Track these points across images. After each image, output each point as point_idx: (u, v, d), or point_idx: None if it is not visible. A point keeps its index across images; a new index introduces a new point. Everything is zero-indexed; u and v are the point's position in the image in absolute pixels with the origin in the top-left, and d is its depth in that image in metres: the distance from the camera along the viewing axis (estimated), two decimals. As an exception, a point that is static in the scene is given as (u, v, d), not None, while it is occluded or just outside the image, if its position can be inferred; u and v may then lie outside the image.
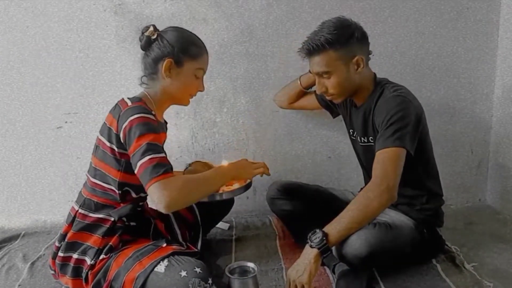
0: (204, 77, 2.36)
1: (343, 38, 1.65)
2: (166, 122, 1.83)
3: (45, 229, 2.43)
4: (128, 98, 1.60)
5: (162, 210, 1.44)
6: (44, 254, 2.11)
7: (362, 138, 1.84)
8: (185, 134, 2.45)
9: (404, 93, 1.70)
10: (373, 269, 1.78)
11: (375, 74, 1.83)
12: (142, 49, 1.65)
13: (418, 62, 2.40)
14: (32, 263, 2.03)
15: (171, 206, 1.44)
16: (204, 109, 2.44)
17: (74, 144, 2.43)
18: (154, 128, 1.52)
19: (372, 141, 1.79)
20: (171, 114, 2.37)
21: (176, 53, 1.60)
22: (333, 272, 1.73)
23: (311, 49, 1.68)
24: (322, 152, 2.52)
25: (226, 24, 2.34)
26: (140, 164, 1.45)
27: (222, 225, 2.34)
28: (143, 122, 1.49)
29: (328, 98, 1.82)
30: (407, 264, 1.79)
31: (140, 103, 1.56)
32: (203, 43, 1.70)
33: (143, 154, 1.44)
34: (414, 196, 1.80)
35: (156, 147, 1.48)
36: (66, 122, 2.42)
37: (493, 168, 2.54)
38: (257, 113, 2.45)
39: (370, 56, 1.78)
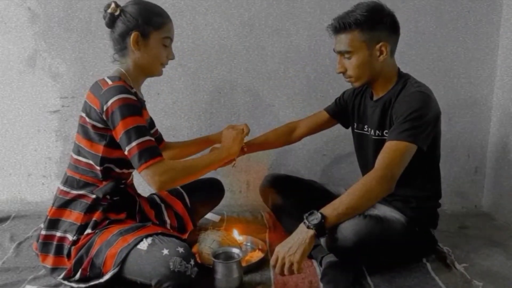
0: (203, 75, 2.39)
1: (371, 21, 1.65)
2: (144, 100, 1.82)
3: (35, 212, 2.43)
4: (108, 77, 1.61)
5: (154, 190, 1.57)
6: (31, 236, 2.12)
7: (377, 132, 1.81)
8: (185, 134, 2.45)
9: (428, 90, 1.70)
10: (361, 264, 1.76)
11: (399, 68, 1.82)
12: (107, 27, 1.66)
13: (418, 62, 2.40)
14: (19, 243, 2.04)
15: (161, 188, 1.56)
16: (203, 108, 2.44)
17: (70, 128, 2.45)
18: (137, 110, 1.55)
19: (387, 135, 1.75)
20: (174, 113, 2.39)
21: (141, 26, 1.61)
22: (320, 264, 1.72)
23: (338, 27, 1.69)
24: (319, 149, 2.51)
25: (226, 24, 2.35)
26: (128, 150, 1.51)
27: (213, 217, 2.32)
28: (125, 103, 1.51)
29: (346, 80, 1.79)
30: (396, 261, 1.77)
31: (120, 82, 1.57)
32: (165, 11, 1.70)
33: (130, 140, 1.50)
34: (412, 194, 1.78)
35: (141, 130, 1.52)
36: (62, 106, 2.43)
37: (490, 174, 2.52)
38: (256, 112, 2.46)
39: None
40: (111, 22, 1.63)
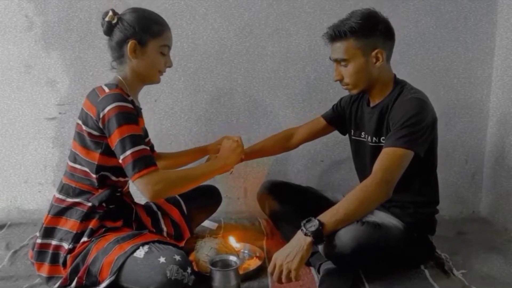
0: (203, 75, 2.39)
1: (366, 29, 1.66)
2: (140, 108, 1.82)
3: (31, 220, 2.43)
4: (105, 85, 1.61)
5: (148, 200, 1.61)
6: (27, 244, 2.11)
7: (374, 138, 1.81)
8: (185, 134, 2.46)
9: (424, 96, 1.70)
10: (359, 271, 1.77)
11: (395, 75, 1.82)
12: (105, 34, 1.66)
13: (418, 62, 2.39)
14: (15, 252, 2.04)
15: (155, 198, 1.58)
16: (203, 108, 2.44)
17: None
18: (133, 118, 1.55)
19: (383, 141, 1.76)
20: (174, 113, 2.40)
21: (138, 34, 1.61)
22: (318, 271, 1.73)
23: (333, 35, 1.70)
24: (317, 155, 2.51)
25: (226, 24, 2.35)
26: (122, 159, 1.51)
27: (210, 224, 2.32)
28: (121, 111, 1.52)
29: (343, 87, 1.80)
30: (394, 268, 1.78)
31: (117, 90, 1.57)
32: (163, 19, 1.70)
33: (124, 148, 1.50)
34: (410, 200, 1.78)
35: (136, 139, 1.52)
36: (59, 113, 2.43)
37: (488, 178, 2.50)
38: (256, 113, 2.45)
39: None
40: (109, 30, 1.63)
